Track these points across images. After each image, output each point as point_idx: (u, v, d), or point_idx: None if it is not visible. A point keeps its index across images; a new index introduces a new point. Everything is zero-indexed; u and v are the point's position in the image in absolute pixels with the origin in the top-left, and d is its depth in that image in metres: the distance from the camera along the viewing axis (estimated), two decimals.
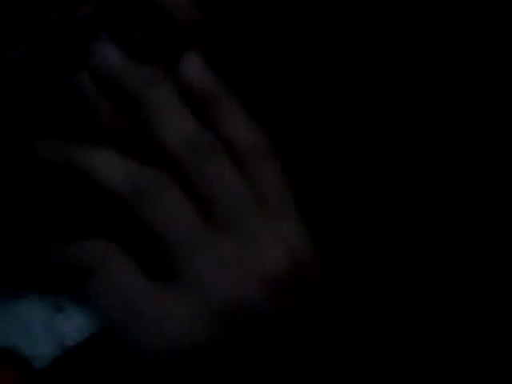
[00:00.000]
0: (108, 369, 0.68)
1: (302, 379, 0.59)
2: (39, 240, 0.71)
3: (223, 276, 0.55)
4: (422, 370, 0.80)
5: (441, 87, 0.91)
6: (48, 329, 0.70)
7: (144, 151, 0.63)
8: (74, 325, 0.70)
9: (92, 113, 0.65)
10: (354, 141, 0.89)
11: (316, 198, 0.84)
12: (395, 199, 0.88)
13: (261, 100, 0.79)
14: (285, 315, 0.55)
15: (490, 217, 0.87)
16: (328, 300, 0.72)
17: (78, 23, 0.68)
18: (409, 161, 0.90)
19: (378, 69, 0.90)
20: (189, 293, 0.55)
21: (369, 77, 0.90)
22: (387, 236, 0.86)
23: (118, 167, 0.60)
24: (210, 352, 0.54)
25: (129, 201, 0.58)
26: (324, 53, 0.88)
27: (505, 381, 0.80)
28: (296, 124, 0.85)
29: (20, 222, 0.70)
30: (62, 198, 0.68)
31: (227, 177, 0.59)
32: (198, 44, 0.72)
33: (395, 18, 0.91)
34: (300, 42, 0.86)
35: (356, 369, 0.75)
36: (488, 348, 0.82)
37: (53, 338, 0.69)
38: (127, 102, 0.64)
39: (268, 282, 0.54)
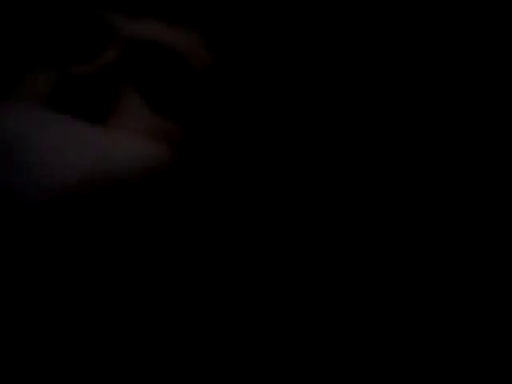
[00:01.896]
0: None
1: None
2: None
3: None
4: (422, 370, 0.79)
5: (441, 88, 0.92)
6: None
7: None
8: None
9: None
10: (354, 143, 0.91)
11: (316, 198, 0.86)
12: (394, 200, 0.89)
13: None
14: None
15: (489, 218, 0.88)
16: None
17: (100, 72, 0.72)
18: (408, 162, 0.91)
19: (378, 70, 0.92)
20: None
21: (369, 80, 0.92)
22: (387, 237, 0.87)
23: None
24: None
25: None
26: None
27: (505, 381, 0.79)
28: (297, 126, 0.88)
29: None
30: None
31: None
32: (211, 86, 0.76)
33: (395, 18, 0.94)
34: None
35: (356, 368, 0.75)
36: (488, 348, 0.81)
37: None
38: None
39: None
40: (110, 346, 0.66)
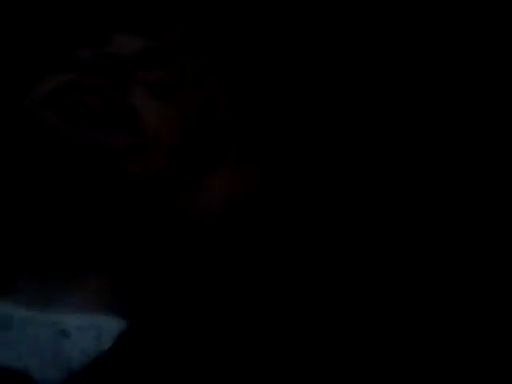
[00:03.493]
0: None
1: None
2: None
3: None
4: (422, 370, 0.79)
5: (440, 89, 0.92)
6: (56, 354, 0.71)
7: None
8: (79, 349, 0.73)
9: None
10: (354, 144, 0.91)
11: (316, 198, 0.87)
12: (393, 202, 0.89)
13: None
14: None
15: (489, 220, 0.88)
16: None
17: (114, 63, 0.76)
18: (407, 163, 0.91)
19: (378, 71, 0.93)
20: None
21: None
22: (387, 238, 0.87)
23: None
24: None
25: None
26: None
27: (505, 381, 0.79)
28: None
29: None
30: None
31: None
32: None
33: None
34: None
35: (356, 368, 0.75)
36: (488, 348, 0.81)
37: (60, 362, 0.71)
38: None
39: None
40: None
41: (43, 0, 0.89)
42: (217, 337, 0.73)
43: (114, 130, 0.74)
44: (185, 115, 0.79)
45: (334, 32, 0.95)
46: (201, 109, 0.80)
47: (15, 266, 0.76)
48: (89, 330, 0.74)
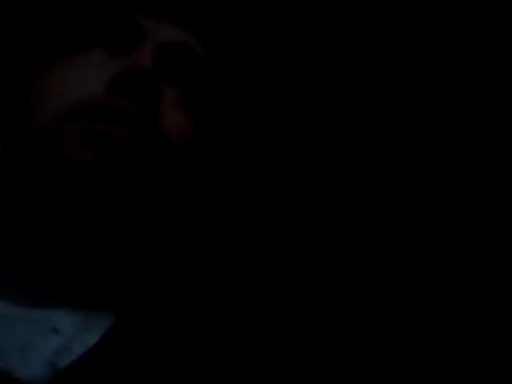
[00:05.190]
0: None
1: None
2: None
3: None
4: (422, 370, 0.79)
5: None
6: (43, 351, 0.70)
7: None
8: (67, 346, 0.71)
9: None
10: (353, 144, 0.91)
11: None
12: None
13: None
14: None
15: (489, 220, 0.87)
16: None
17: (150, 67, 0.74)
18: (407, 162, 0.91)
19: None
20: None
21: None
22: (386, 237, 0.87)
23: None
24: None
25: None
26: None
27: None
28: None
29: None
30: None
31: None
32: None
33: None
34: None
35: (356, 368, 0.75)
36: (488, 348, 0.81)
37: (47, 360, 0.70)
38: None
39: None
40: None
41: None
42: (204, 331, 0.72)
43: (139, 161, 0.72)
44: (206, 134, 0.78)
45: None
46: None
47: (5, 262, 0.75)
48: (79, 325, 0.73)
